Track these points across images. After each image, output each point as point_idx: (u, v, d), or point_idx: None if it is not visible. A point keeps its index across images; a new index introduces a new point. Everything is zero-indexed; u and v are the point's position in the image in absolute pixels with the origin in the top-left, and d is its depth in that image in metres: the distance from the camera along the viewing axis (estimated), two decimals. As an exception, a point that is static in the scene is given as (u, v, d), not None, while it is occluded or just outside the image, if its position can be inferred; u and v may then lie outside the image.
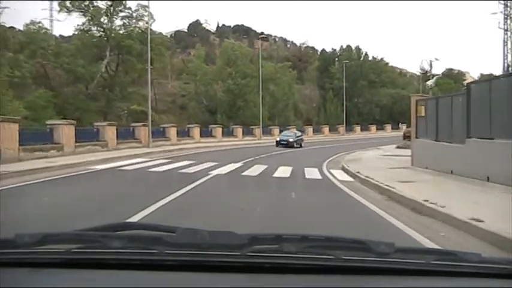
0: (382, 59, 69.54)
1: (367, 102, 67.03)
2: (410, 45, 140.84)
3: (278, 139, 35.64)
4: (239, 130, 44.13)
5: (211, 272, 1.34)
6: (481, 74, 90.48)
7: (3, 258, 1.40)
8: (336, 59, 71.31)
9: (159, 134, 31.51)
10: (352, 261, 1.37)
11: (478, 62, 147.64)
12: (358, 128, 59.76)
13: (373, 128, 61.59)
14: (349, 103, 61.18)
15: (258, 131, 45.66)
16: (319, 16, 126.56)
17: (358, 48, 70.64)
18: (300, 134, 39.01)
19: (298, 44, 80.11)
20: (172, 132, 33.37)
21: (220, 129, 41.11)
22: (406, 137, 52.56)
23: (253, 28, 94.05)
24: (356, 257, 1.38)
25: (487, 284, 1.35)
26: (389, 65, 74.05)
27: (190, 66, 56.78)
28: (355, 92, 63.47)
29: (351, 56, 67.23)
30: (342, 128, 57.38)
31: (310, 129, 52.90)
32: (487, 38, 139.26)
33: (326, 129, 55.85)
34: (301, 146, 35.30)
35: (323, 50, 73.42)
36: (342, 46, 71.92)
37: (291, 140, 35.21)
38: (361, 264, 1.36)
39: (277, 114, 55.67)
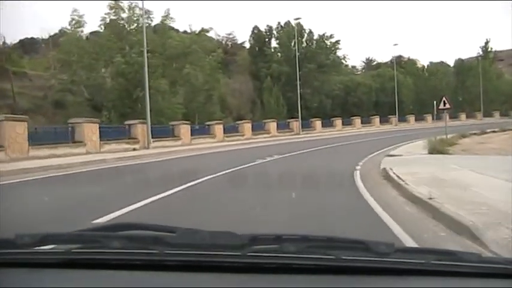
0: (331, 35, 53.56)
1: (316, 92, 51.17)
2: (347, 36, 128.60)
3: None
4: (88, 128, 22.21)
5: (211, 272, 1.33)
6: (431, 62, 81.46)
7: (3, 258, 1.39)
8: (273, 38, 55.30)
9: None
10: (352, 261, 1.35)
11: (425, 50, 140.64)
12: (318, 124, 42.59)
13: (339, 123, 45.13)
14: (293, 94, 44.76)
15: (141, 129, 27.28)
16: (245, 11, 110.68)
17: (299, 25, 54.92)
18: None
19: (223, 36, 62.32)
20: None
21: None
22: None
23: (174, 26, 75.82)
24: (356, 257, 1.36)
25: (487, 284, 1.33)
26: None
27: (62, 41, 37.43)
28: (300, 79, 47.08)
29: (292, 34, 51.28)
30: (296, 124, 39.78)
31: (246, 127, 34.78)
32: (431, 26, 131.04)
33: (273, 125, 37.60)
34: None
35: (255, 27, 56.63)
36: (279, 23, 55.87)
37: None
38: (361, 264, 1.34)
39: (197, 109, 37.98)
